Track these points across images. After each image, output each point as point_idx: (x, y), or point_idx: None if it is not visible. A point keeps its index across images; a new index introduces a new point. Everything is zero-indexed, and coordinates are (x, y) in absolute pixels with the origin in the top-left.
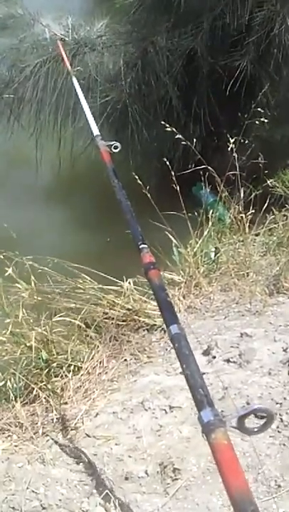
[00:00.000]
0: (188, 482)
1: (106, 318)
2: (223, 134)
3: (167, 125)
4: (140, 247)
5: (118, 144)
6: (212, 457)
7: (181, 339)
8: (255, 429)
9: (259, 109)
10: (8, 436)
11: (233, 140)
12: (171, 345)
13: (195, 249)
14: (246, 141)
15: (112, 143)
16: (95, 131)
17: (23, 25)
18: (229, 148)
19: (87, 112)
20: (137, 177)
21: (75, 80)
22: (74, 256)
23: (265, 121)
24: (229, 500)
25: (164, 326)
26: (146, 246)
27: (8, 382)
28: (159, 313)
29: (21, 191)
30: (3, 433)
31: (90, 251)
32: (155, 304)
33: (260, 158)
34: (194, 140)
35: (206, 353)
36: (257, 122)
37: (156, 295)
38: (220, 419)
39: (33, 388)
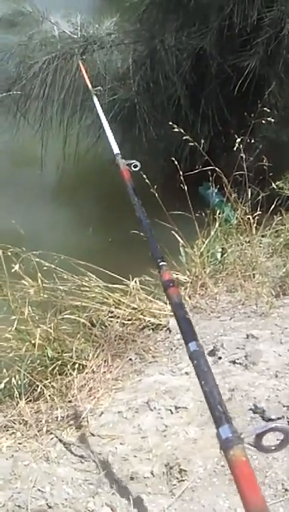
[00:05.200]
0: (194, 483)
1: (111, 317)
2: (230, 134)
3: (175, 126)
4: (160, 264)
5: (138, 163)
6: (230, 473)
7: (199, 356)
8: (272, 447)
9: (267, 109)
10: (13, 433)
11: (240, 140)
12: (177, 345)
13: (201, 250)
14: (254, 142)
15: (132, 162)
16: (116, 150)
17: (32, 23)
18: (235, 148)
19: (108, 130)
20: (144, 176)
21: (95, 99)
22: (78, 254)
23: (273, 121)
24: None
25: (184, 342)
26: (165, 264)
27: (13, 380)
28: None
29: (27, 189)
30: (8, 430)
31: (94, 249)
32: (161, 303)
33: (267, 160)
34: (202, 140)
35: (211, 353)
36: (264, 122)
37: (175, 312)
38: (238, 436)
39: (38, 386)
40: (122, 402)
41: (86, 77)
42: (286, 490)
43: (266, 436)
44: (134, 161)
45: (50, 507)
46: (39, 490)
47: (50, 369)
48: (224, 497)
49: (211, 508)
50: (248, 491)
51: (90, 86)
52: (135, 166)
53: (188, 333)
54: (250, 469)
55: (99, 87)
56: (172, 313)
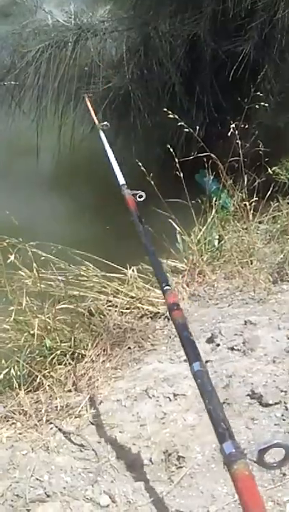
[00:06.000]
0: (192, 470)
1: (109, 306)
2: (226, 120)
3: (170, 112)
4: (165, 288)
5: (143, 194)
6: (234, 487)
7: (203, 376)
8: (274, 464)
9: (262, 94)
10: (12, 423)
11: (235, 126)
12: (175, 333)
13: (198, 237)
14: (249, 128)
15: (137, 192)
16: (121, 181)
17: (26, 12)
18: (230, 134)
19: (114, 163)
20: (140, 164)
21: (102, 134)
22: (75, 243)
23: (268, 106)
24: None
25: (188, 362)
26: (169, 288)
27: (12, 370)
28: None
29: (23, 178)
30: (7, 420)
31: (91, 238)
32: (159, 292)
33: (263, 146)
34: (197, 127)
35: (209, 340)
36: (257, 107)
37: (179, 334)
38: (241, 451)
39: (37, 376)
40: (121, 391)
41: (92, 111)
42: (284, 475)
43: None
44: (139, 191)
45: (48, 496)
46: (37, 479)
47: (49, 359)
48: (222, 483)
49: (210, 493)
50: (251, 504)
51: (96, 121)
52: (140, 197)
53: (192, 353)
54: (254, 483)
55: (105, 123)
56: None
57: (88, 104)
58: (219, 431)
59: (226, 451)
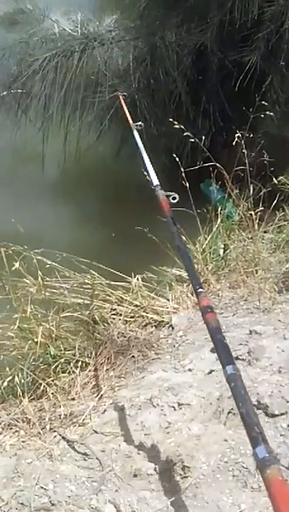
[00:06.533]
0: (197, 480)
1: (114, 315)
2: (232, 130)
3: (175, 122)
4: (198, 291)
5: (176, 195)
6: (267, 494)
7: (237, 379)
8: None
9: (268, 104)
10: (16, 431)
11: (241, 136)
12: (179, 342)
13: (204, 246)
14: (256, 137)
15: (171, 194)
16: (155, 181)
17: (33, 21)
18: (236, 144)
19: (148, 164)
20: (145, 174)
21: (136, 134)
22: (80, 251)
23: (274, 116)
24: None
25: (221, 365)
26: (203, 290)
27: (16, 378)
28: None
29: (29, 186)
30: (11, 428)
31: (96, 246)
32: (163, 300)
33: (268, 155)
34: (203, 136)
35: (214, 350)
36: (263, 116)
37: (212, 337)
38: (274, 456)
39: (41, 384)
40: (125, 400)
41: (127, 111)
42: None
43: None
44: (173, 193)
45: (53, 504)
46: (42, 487)
47: (53, 367)
48: (228, 493)
49: (215, 504)
50: (285, 509)
51: (130, 121)
52: (174, 198)
53: (225, 356)
54: (287, 489)
55: (140, 123)
56: (210, 336)
57: (122, 103)
58: (253, 435)
59: (259, 456)
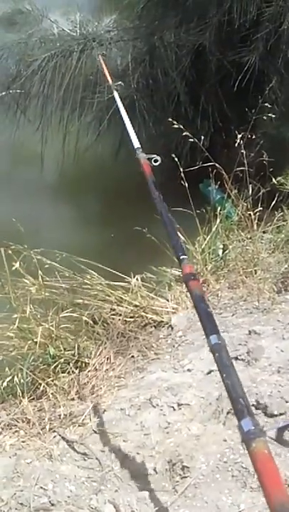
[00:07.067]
0: (197, 480)
1: (113, 315)
2: (231, 130)
3: (174, 122)
4: (181, 257)
5: (158, 158)
6: (253, 467)
7: (221, 349)
8: None
9: (267, 105)
10: (16, 431)
11: (240, 136)
12: (179, 342)
13: (203, 246)
14: (254, 138)
15: (152, 156)
16: (136, 144)
17: (32, 21)
18: (236, 144)
19: (128, 125)
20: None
21: (116, 94)
22: (80, 251)
23: (273, 117)
24: (269, 509)
25: (205, 335)
26: (186, 257)
27: (16, 378)
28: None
29: (28, 186)
30: (11, 428)
31: (95, 246)
32: (163, 300)
33: (267, 155)
34: (202, 136)
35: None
36: (265, 118)
37: (196, 305)
38: (260, 429)
39: (40, 384)
40: (125, 400)
41: (106, 71)
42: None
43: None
44: (154, 155)
45: (52, 504)
46: (42, 488)
47: (52, 367)
48: (227, 493)
49: (214, 504)
50: (270, 485)
51: (110, 81)
52: (156, 161)
53: (209, 326)
54: (273, 463)
55: (119, 82)
56: (193, 306)
57: (103, 64)
58: (238, 407)
59: (244, 429)
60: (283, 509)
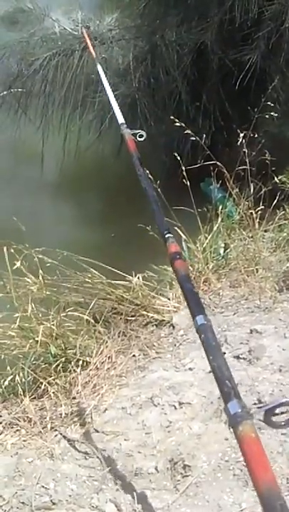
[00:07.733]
0: (198, 479)
1: (115, 313)
2: (232, 129)
3: (176, 120)
4: (166, 236)
5: (143, 133)
6: (240, 450)
7: (207, 330)
8: (283, 423)
9: (269, 103)
10: (17, 430)
11: (242, 135)
12: (180, 341)
13: (204, 245)
14: (256, 137)
15: (137, 132)
16: (120, 119)
17: (33, 20)
18: (238, 143)
19: (112, 99)
20: (146, 171)
21: (99, 67)
22: (81, 250)
23: (275, 115)
24: (257, 494)
25: (191, 316)
26: (171, 235)
27: (17, 377)
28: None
29: (29, 185)
30: (12, 427)
31: (96, 245)
32: (164, 299)
33: (269, 154)
34: (204, 135)
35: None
36: (267, 117)
37: (181, 285)
38: (247, 411)
39: (42, 383)
40: (126, 399)
41: (90, 44)
42: None
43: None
44: (139, 130)
45: (54, 503)
46: (43, 486)
47: (53, 366)
48: (228, 492)
49: (216, 503)
50: (257, 468)
51: (93, 53)
52: (140, 136)
53: (195, 306)
54: (260, 446)
55: (104, 56)
56: (180, 288)
57: (86, 37)
58: (224, 390)
59: (230, 411)
60: (270, 493)
